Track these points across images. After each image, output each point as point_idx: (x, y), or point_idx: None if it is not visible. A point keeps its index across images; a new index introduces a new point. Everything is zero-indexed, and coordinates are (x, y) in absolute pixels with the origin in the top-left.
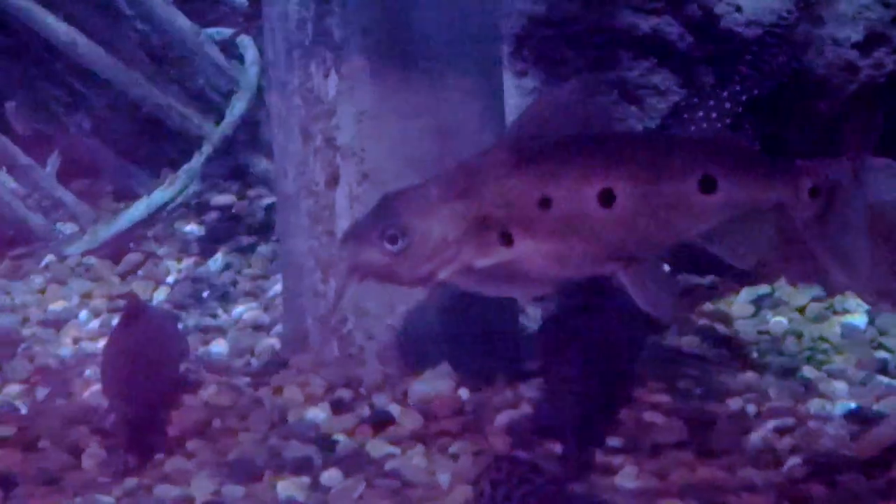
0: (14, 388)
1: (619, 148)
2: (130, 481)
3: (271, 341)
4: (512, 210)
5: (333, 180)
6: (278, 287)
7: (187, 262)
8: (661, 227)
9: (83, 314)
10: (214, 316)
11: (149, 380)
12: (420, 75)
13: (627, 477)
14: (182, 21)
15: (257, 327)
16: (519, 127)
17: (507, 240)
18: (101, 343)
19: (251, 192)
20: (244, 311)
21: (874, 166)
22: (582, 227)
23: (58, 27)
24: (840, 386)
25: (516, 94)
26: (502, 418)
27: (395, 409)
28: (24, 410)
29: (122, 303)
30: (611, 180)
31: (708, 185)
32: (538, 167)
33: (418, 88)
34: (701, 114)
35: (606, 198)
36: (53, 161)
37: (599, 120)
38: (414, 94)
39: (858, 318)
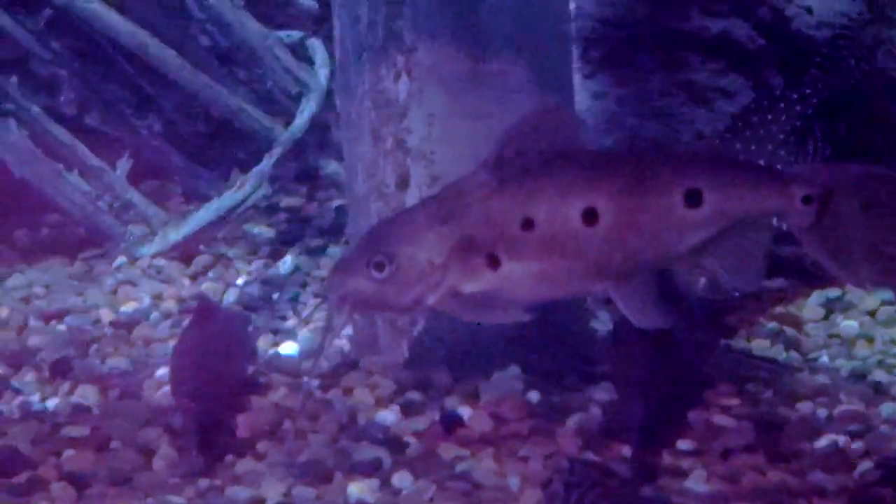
0: (86, 389)
1: (599, 165)
2: (202, 482)
3: (341, 343)
4: (496, 232)
5: (403, 182)
6: None
7: (257, 263)
8: (648, 244)
9: (154, 315)
10: (284, 318)
11: (218, 381)
12: (490, 78)
13: (697, 480)
14: (252, 24)
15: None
16: (499, 148)
17: (493, 262)
18: (172, 344)
19: (320, 195)
20: (314, 312)
21: (864, 170)
22: (567, 247)
23: (129, 30)
24: None
25: (585, 96)
26: (572, 421)
27: (464, 411)
28: (95, 411)
29: (192, 304)
30: (592, 198)
31: (693, 199)
32: (519, 188)
33: (488, 91)
34: (770, 116)
35: (589, 216)
36: (124, 163)
37: (573, 141)
38: (484, 96)
39: None
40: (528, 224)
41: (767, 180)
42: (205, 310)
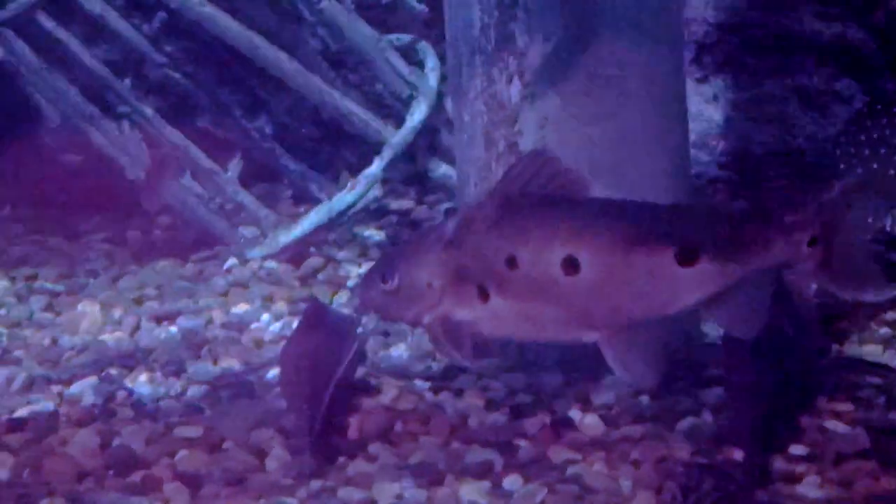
0: (199, 390)
1: (590, 216)
2: (314, 484)
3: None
4: (486, 266)
5: None
6: None
7: (367, 266)
8: (636, 300)
9: (265, 317)
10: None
11: (328, 382)
12: (602, 81)
13: (811, 486)
14: (362, 27)
15: None
16: (505, 183)
17: (483, 295)
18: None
19: (430, 197)
20: None
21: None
22: (548, 292)
23: (240, 33)
24: None
25: (697, 101)
26: (683, 425)
27: (575, 414)
28: (208, 412)
29: (303, 306)
30: (574, 248)
31: (687, 257)
32: (509, 226)
33: (600, 94)
34: (884, 120)
35: (571, 265)
36: (235, 165)
37: (576, 185)
38: (596, 100)
39: None
40: (513, 263)
41: (768, 233)
42: (315, 312)
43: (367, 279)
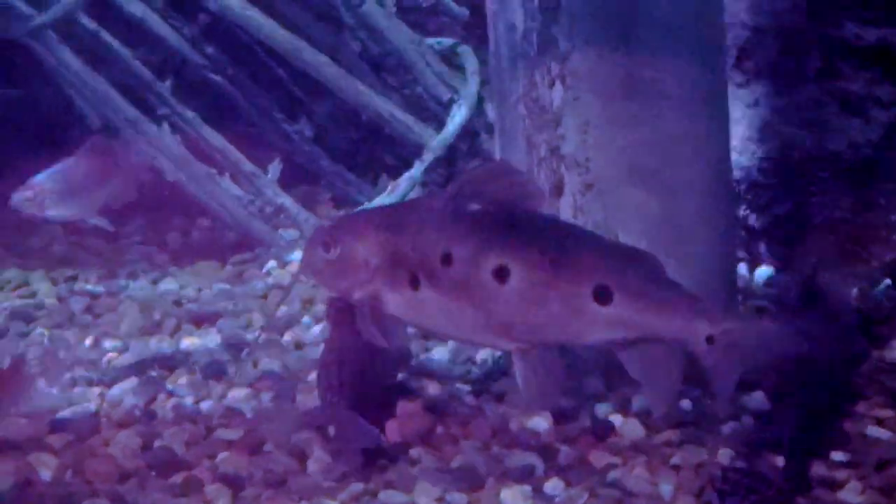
0: (239, 392)
1: (528, 232)
2: (355, 486)
3: (491, 350)
4: (421, 255)
5: (557, 190)
6: None
7: None
8: (551, 323)
9: (305, 319)
10: None
11: (368, 385)
12: (644, 85)
13: (852, 492)
14: (403, 30)
15: None
16: (460, 185)
17: (414, 284)
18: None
19: None
20: None
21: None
22: (475, 295)
23: (282, 36)
24: None
25: (738, 105)
26: (724, 430)
27: (616, 419)
28: (248, 414)
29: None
30: (508, 258)
31: (602, 296)
32: (451, 224)
33: (642, 98)
34: None
35: (499, 273)
36: (275, 167)
37: (531, 198)
38: (638, 104)
39: None
40: (447, 259)
41: (678, 306)
42: (342, 310)
43: (311, 243)
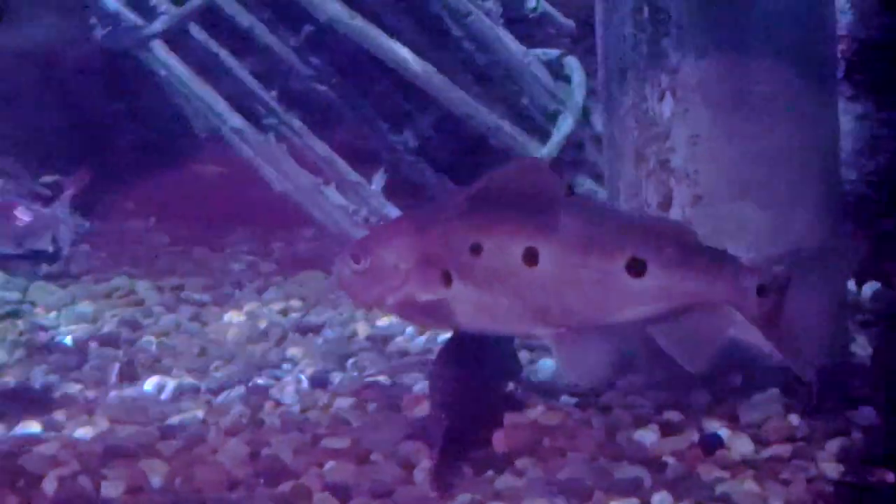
0: (345, 402)
1: (556, 213)
2: (462, 497)
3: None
4: (450, 251)
5: (666, 202)
6: None
7: None
8: (587, 301)
9: (409, 330)
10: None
11: (477, 396)
12: (754, 97)
13: None
14: (509, 41)
15: None
16: (483, 182)
17: (447, 280)
18: (429, 358)
19: None
20: None
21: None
22: (507, 282)
23: (390, 46)
24: None
25: (848, 118)
26: (833, 445)
27: (724, 433)
28: (354, 423)
29: None
30: (537, 240)
31: (637, 268)
32: (477, 216)
33: (752, 111)
34: None
35: (530, 256)
36: (380, 178)
37: (549, 191)
38: (748, 117)
39: None
40: (477, 250)
41: (718, 267)
42: None
43: (342, 259)
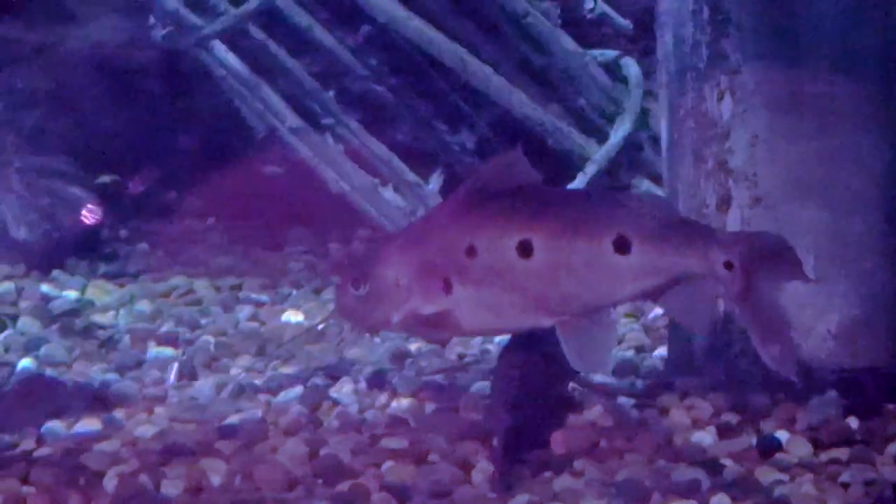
0: (404, 402)
1: (542, 204)
2: (521, 498)
3: (654, 363)
4: (447, 257)
5: (724, 203)
6: (659, 309)
7: None
8: (582, 285)
9: None
10: None
11: (538, 396)
12: (814, 99)
13: None
14: (567, 42)
15: (639, 348)
16: (468, 184)
17: (447, 286)
18: (486, 358)
19: None
20: (626, 331)
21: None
22: (504, 277)
23: (449, 47)
24: None
25: None
26: (892, 447)
27: (782, 435)
28: (412, 424)
29: None
30: (529, 232)
31: (622, 246)
32: (466, 218)
33: (812, 112)
34: None
35: (524, 249)
36: (437, 178)
37: (529, 181)
38: (808, 118)
39: None
40: (472, 251)
41: (692, 240)
42: None
43: (340, 287)
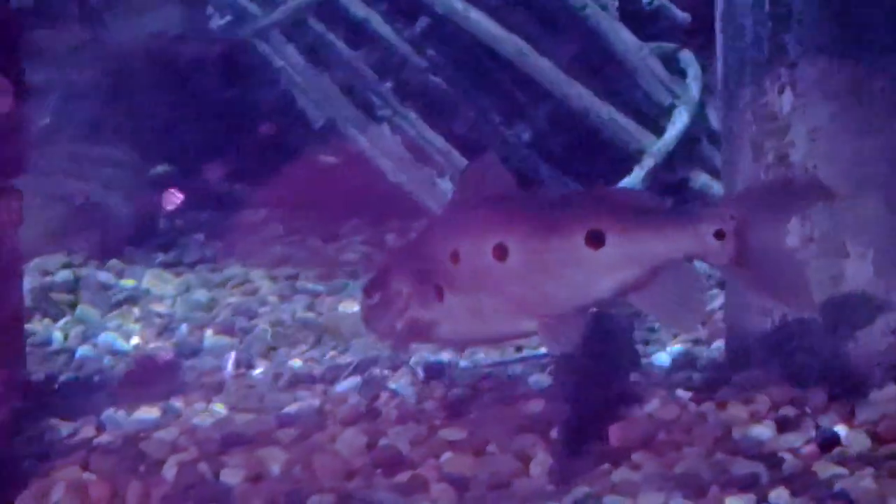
0: (461, 392)
1: (516, 206)
2: (579, 490)
3: (712, 356)
4: (437, 263)
5: None
6: (716, 302)
7: None
8: (559, 284)
9: None
10: (652, 329)
11: (599, 389)
12: (874, 93)
13: None
14: (625, 35)
15: (696, 341)
16: (457, 192)
17: (440, 294)
18: (542, 350)
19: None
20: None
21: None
22: (486, 282)
23: (506, 39)
24: None
25: None
26: None
27: (841, 429)
28: (471, 415)
29: None
30: (503, 235)
31: (595, 240)
32: (449, 225)
33: (873, 106)
34: None
35: (500, 252)
36: None
37: (506, 186)
38: (869, 112)
39: None
40: (455, 258)
41: (672, 222)
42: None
43: (364, 300)
